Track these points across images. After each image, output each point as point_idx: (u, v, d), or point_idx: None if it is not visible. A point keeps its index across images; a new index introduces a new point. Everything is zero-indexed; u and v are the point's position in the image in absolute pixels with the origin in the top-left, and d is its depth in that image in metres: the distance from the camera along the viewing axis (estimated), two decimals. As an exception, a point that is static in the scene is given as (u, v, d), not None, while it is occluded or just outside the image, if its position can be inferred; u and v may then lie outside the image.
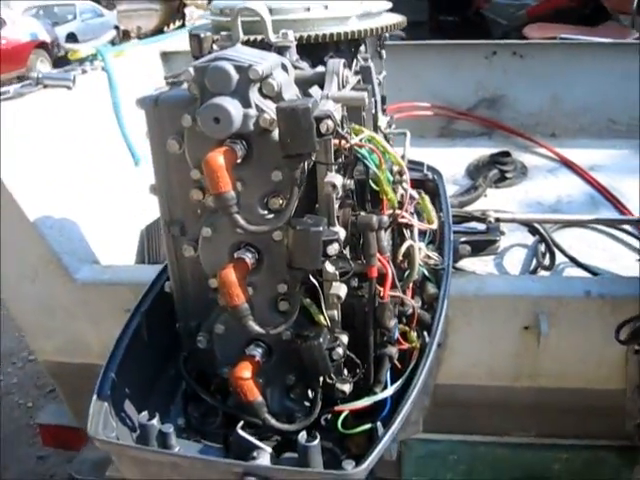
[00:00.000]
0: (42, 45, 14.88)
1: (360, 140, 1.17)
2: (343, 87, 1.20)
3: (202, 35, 1.28)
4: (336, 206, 1.18)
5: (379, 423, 1.23)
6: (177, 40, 3.46)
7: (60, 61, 13.59)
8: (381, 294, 1.22)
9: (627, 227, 2.52)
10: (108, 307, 2.10)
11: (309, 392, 1.32)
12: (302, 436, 1.15)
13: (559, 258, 2.34)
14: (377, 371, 1.30)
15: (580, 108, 3.28)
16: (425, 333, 1.40)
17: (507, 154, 2.93)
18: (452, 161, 2.99)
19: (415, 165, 2.15)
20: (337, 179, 1.12)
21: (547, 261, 2.26)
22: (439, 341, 2.07)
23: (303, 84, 1.20)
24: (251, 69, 1.08)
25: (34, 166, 2.20)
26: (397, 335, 1.33)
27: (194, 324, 1.40)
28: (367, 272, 1.22)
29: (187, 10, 18.85)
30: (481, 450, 2.30)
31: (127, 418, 1.37)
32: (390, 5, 1.56)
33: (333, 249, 1.12)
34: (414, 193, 1.38)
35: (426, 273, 1.60)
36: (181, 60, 3.28)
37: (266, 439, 1.29)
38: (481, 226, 2.19)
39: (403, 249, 1.41)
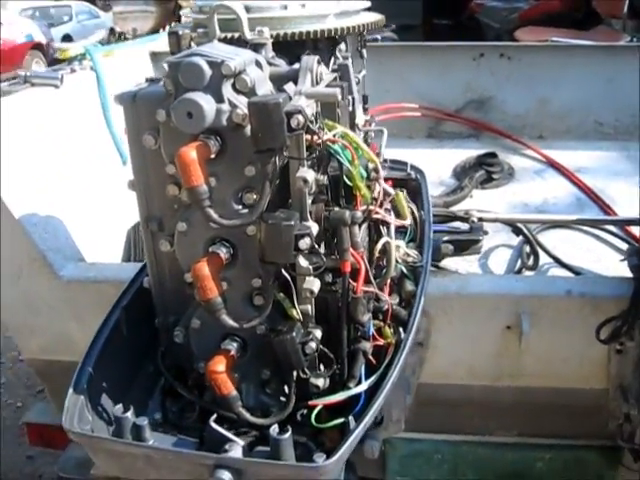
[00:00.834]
0: (37, 46, 14.89)
1: (334, 136, 1.18)
2: (317, 84, 1.21)
3: (180, 32, 1.29)
4: (309, 201, 1.19)
5: (351, 417, 1.24)
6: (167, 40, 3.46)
7: (55, 62, 13.54)
8: (354, 289, 1.23)
9: (612, 228, 2.53)
10: (93, 305, 2.10)
11: (284, 387, 1.33)
12: (274, 429, 1.16)
13: (543, 259, 2.35)
14: (351, 366, 1.31)
15: (567, 110, 3.29)
16: (401, 329, 1.41)
17: (494, 155, 2.95)
18: (439, 162, 3.01)
19: (398, 164, 2.16)
20: (309, 174, 1.13)
21: (531, 261, 2.27)
22: (419, 340, 2.12)
23: (278, 80, 1.22)
24: (224, 65, 1.09)
25: (20, 163, 2.21)
26: (372, 331, 1.34)
27: (172, 319, 1.41)
28: (340, 267, 1.23)
29: (182, 12, 18.83)
30: (464, 449, 2.31)
31: (103, 412, 1.38)
32: (368, 4, 1.57)
33: (305, 243, 1.13)
34: (389, 189, 1.39)
35: (404, 270, 1.61)
36: (171, 60, 3.28)
37: (243, 434, 1.30)
38: (464, 226, 2.20)
39: (379, 246, 1.42)
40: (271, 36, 1.31)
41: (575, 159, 3.09)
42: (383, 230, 1.45)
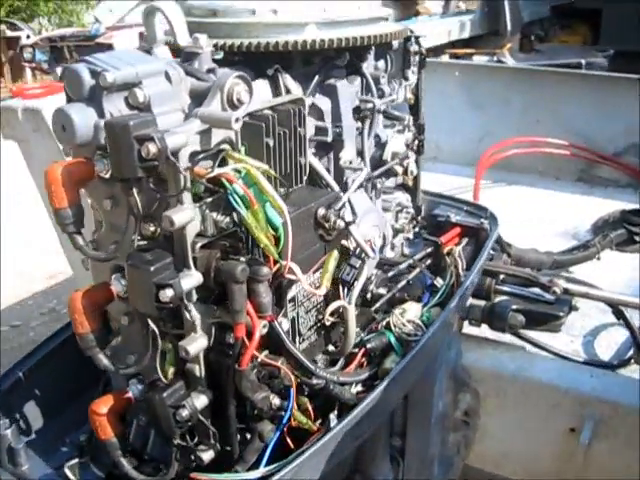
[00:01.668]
0: None
1: (234, 172, 0.96)
2: (238, 103, 1.00)
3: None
4: (199, 245, 1.00)
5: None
6: None
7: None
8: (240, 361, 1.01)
9: None
10: None
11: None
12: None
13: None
14: (244, 447, 1.09)
15: None
16: (333, 415, 1.15)
17: (642, 213, 2.38)
18: (583, 211, 2.52)
19: (477, 210, 1.82)
20: (180, 214, 0.94)
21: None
22: (464, 418, 1.78)
23: (200, 97, 1.03)
24: (101, 75, 0.94)
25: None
26: (288, 412, 1.10)
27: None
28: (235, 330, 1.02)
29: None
30: None
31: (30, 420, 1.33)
32: (384, 13, 1.29)
33: (165, 295, 0.94)
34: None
35: (392, 341, 1.33)
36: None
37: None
38: (550, 296, 1.79)
39: (330, 309, 1.17)
40: (229, 46, 1.13)
41: None
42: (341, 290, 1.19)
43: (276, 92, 1.17)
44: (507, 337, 1.85)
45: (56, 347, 1.40)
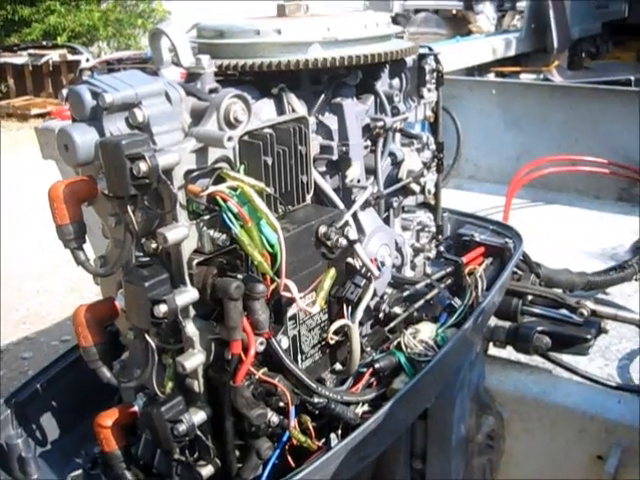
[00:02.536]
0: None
1: (229, 190, 0.98)
2: (234, 122, 1.01)
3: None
4: (195, 261, 1.01)
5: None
6: None
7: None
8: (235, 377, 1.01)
9: None
10: None
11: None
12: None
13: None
14: (243, 465, 1.09)
15: None
16: (334, 434, 1.14)
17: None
18: (622, 231, 2.45)
19: (502, 229, 1.79)
20: (174, 231, 0.96)
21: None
22: (488, 442, 1.74)
23: (200, 116, 1.05)
24: (100, 96, 0.97)
25: None
26: (289, 430, 1.10)
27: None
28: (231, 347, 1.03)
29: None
30: None
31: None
32: (387, 31, 1.29)
33: (160, 311, 0.96)
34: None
35: (403, 361, 1.31)
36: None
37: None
38: (579, 318, 1.73)
39: (333, 327, 1.17)
40: (233, 67, 1.15)
41: None
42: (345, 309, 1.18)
43: (281, 111, 1.19)
44: (537, 360, 1.80)
45: (74, 360, 1.43)
